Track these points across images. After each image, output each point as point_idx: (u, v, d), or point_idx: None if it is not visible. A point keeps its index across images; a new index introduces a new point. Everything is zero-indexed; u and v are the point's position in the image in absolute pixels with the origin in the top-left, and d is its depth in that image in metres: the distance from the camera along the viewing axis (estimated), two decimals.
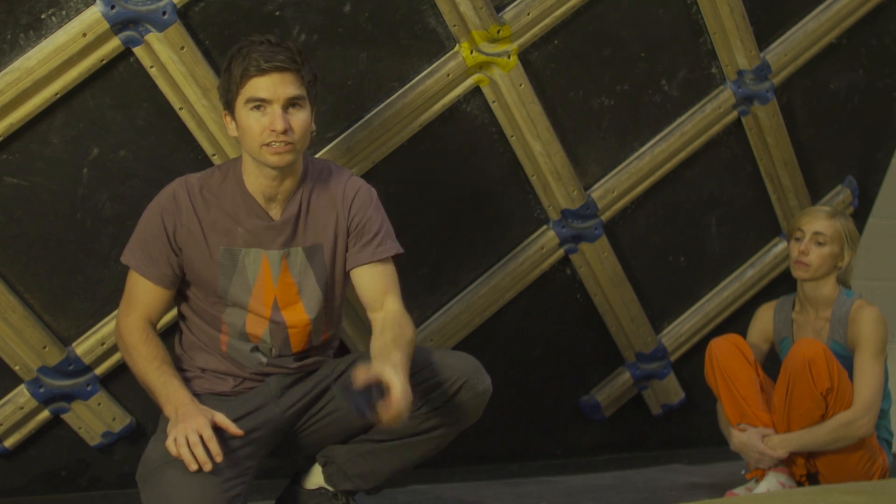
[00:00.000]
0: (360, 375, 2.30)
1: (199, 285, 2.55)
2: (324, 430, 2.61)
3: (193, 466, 2.29)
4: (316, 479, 2.69)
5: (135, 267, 2.52)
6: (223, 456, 2.33)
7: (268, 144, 2.44)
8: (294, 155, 2.48)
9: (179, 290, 2.57)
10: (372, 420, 2.28)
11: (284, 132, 2.43)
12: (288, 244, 2.54)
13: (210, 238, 2.51)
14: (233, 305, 2.55)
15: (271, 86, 2.43)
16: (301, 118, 2.46)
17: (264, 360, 2.58)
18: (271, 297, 2.55)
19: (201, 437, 2.31)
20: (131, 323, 2.51)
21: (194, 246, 2.51)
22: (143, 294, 2.52)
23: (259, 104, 2.44)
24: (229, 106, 2.50)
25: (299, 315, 2.57)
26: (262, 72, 2.42)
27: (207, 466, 2.29)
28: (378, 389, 2.29)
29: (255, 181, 2.53)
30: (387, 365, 2.33)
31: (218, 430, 2.38)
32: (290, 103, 2.45)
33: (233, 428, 2.37)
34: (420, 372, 2.51)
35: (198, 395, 2.50)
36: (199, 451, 2.30)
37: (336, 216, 2.57)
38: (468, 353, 2.61)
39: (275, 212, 2.55)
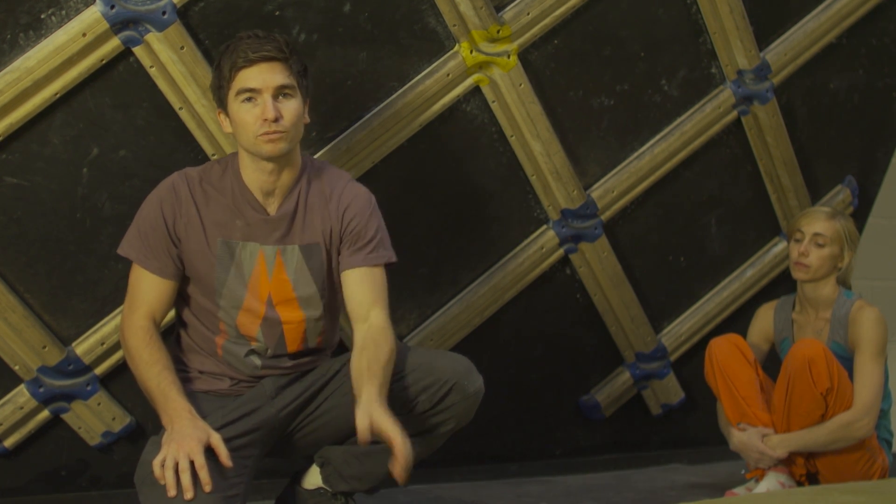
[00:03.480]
0: (362, 435, 2.31)
1: (197, 280, 2.54)
2: (319, 430, 2.60)
3: (172, 492, 2.25)
4: (314, 479, 2.68)
5: (135, 259, 2.51)
6: (220, 462, 2.32)
7: (262, 134, 2.45)
8: (287, 143, 2.48)
9: (179, 291, 2.56)
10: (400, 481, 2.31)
11: (276, 120, 2.44)
12: (283, 241, 2.54)
13: (209, 230, 2.51)
14: (228, 302, 2.54)
15: (260, 75, 2.44)
16: (292, 107, 2.48)
17: (259, 363, 2.57)
18: (266, 292, 2.54)
19: (193, 463, 2.28)
20: (135, 323, 2.48)
21: (193, 237, 2.51)
22: (147, 288, 2.50)
23: (250, 95, 2.45)
24: (222, 103, 2.51)
25: (294, 312, 2.56)
26: (250, 62, 2.44)
27: (189, 495, 2.25)
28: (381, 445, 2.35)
29: (252, 175, 2.53)
30: (370, 410, 2.32)
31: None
32: (280, 92, 2.46)
33: (224, 457, 2.33)
34: (411, 373, 2.51)
35: (195, 394, 2.50)
36: (185, 478, 2.26)
37: (329, 218, 2.56)
38: (462, 354, 2.60)
39: (272, 206, 2.54)
